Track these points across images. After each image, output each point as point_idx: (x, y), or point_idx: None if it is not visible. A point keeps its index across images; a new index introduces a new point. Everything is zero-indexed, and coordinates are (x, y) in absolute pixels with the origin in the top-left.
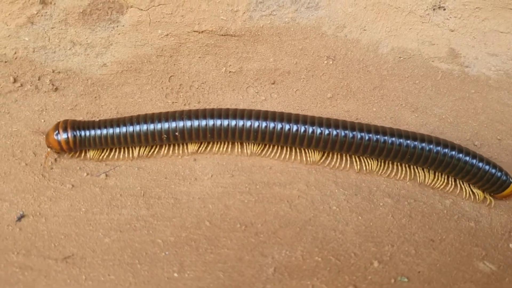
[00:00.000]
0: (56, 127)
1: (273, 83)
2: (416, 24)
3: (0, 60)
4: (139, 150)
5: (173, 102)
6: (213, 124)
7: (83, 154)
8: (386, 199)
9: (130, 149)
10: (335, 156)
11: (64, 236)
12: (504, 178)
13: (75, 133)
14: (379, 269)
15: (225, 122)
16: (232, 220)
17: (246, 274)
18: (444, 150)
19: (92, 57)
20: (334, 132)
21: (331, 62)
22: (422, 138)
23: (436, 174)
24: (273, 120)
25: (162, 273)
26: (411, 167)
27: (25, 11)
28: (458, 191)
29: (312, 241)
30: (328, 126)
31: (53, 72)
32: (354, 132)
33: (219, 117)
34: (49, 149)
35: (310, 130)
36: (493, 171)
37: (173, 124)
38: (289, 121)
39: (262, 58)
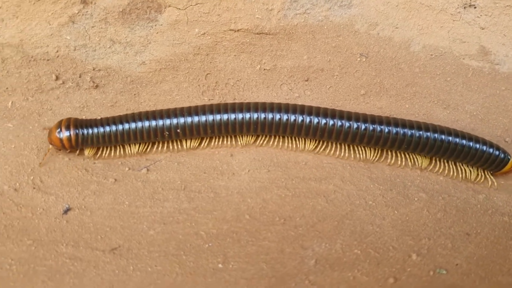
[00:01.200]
0: (59, 125)
1: (306, 80)
2: (447, 22)
3: (42, 58)
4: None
5: (209, 99)
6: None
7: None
8: (420, 194)
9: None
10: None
11: (110, 229)
12: (502, 156)
13: (77, 131)
14: (417, 261)
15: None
16: (271, 213)
17: (288, 265)
18: (441, 136)
19: (131, 55)
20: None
21: (364, 60)
22: (422, 126)
23: (435, 159)
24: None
25: (207, 264)
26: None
27: (66, 11)
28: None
29: (351, 235)
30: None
31: (93, 69)
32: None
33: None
34: (50, 146)
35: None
36: (496, 151)
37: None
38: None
39: (296, 55)
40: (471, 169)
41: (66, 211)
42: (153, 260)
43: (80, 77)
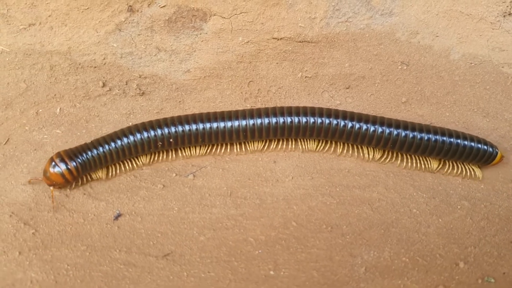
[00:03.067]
0: (52, 162)
1: (347, 88)
2: (487, 30)
3: (90, 66)
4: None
5: (251, 106)
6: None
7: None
8: (463, 202)
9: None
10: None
11: (161, 234)
12: (491, 150)
13: (73, 161)
14: (465, 269)
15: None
16: (317, 221)
17: (339, 273)
18: (443, 138)
19: (176, 63)
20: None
21: (405, 68)
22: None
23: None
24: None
25: (259, 271)
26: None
27: (113, 19)
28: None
29: (398, 243)
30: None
31: (139, 77)
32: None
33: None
34: (51, 188)
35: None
36: (485, 147)
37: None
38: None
39: (337, 63)
40: (462, 165)
41: (117, 217)
42: (206, 266)
43: (126, 84)
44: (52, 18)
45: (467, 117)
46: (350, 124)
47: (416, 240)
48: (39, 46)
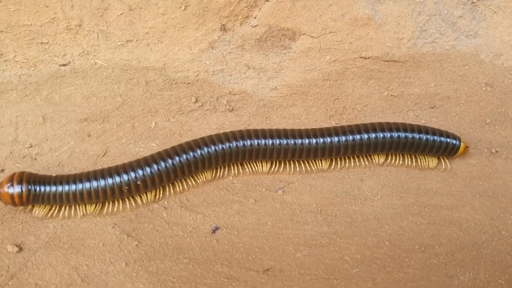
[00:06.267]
0: (10, 179)
1: (432, 107)
2: None
3: (183, 82)
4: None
5: (336, 123)
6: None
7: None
8: None
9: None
10: None
11: (258, 249)
12: (454, 141)
13: (29, 187)
14: None
15: None
16: (410, 241)
17: None
18: (413, 134)
19: (264, 80)
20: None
21: (489, 89)
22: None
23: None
24: None
25: None
26: None
27: (207, 37)
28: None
29: (492, 265)
30: None
31: (229, 93)
32: None
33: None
34: None
35: None
36: (450, 140)
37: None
38: None
39: (423, 83)
40: (428, 158)
41: (215, 230)
42: (306, 283)
43: (217, 100)
44: (149, 35)
45: None
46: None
47: (510, 262)
48: (136, 62)
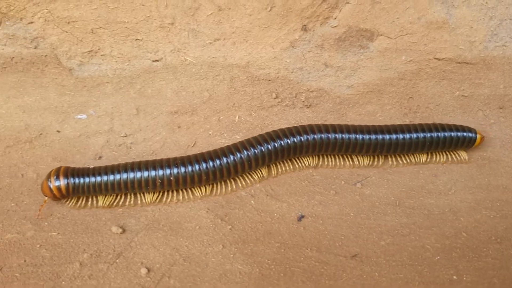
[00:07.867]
0: (48, 176)
1: (501, 108)
2: None
3: (264, 79)
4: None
5: (410, 121)
6: None
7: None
8: None
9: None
10: None
11: (344, 237)
12: (471, 134)
13: (68, 180)
14: None
15: None
16: (485, 232)
17: None
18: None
19: (341, 78)
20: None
21: None
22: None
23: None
24: None
25: (443, 275)
26: None
27: (288, 36)
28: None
29: None
30: None
31: (307, 90)
32: None
33: None
34: (46, 198)
35: None
36: (467, 134)
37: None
38: None
39: (492, 84)
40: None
41: (301, 218)
42: (393, 268)
43: (295, 96)
44: (235, 34)
45: None
46: None
47: None
48: (222, 60)
